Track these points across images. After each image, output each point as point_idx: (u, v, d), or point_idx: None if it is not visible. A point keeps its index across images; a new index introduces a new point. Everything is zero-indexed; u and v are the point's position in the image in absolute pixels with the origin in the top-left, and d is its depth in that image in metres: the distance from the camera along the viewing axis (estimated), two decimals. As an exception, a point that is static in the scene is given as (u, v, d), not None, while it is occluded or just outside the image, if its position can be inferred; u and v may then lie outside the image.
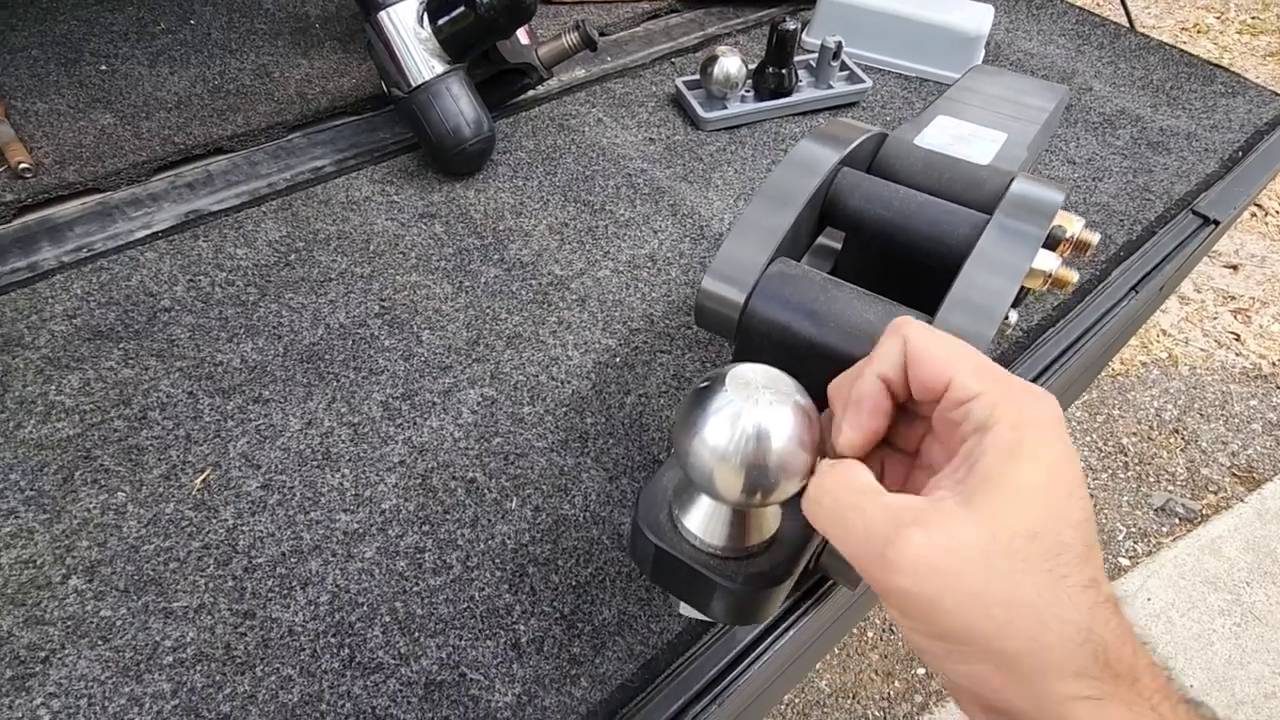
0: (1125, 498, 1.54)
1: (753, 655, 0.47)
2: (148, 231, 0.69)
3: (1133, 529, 1.50)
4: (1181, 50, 1.04)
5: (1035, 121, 0.56)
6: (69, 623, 0.45)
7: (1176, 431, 1.64)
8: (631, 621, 0.47)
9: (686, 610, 0.43)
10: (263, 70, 0.87)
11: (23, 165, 0.71)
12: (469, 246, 0.70)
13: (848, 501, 0.28)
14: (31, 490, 0.50)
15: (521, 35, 0.82)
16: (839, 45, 0.88)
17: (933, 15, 0.95)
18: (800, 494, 0.33)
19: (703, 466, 0.31)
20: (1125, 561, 1.45)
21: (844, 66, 0.92)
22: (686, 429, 0.32)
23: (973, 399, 0.26)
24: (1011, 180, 0.45)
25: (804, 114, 0.90)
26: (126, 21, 0.92)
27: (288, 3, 0.98)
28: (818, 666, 1.26)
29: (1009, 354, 0.65)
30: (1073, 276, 0.41)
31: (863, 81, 0.91)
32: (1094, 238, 0.46)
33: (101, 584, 0.46)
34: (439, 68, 0.72)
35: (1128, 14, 1.15)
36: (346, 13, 0.97)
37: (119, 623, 0.45)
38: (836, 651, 1.28)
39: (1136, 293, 0.73)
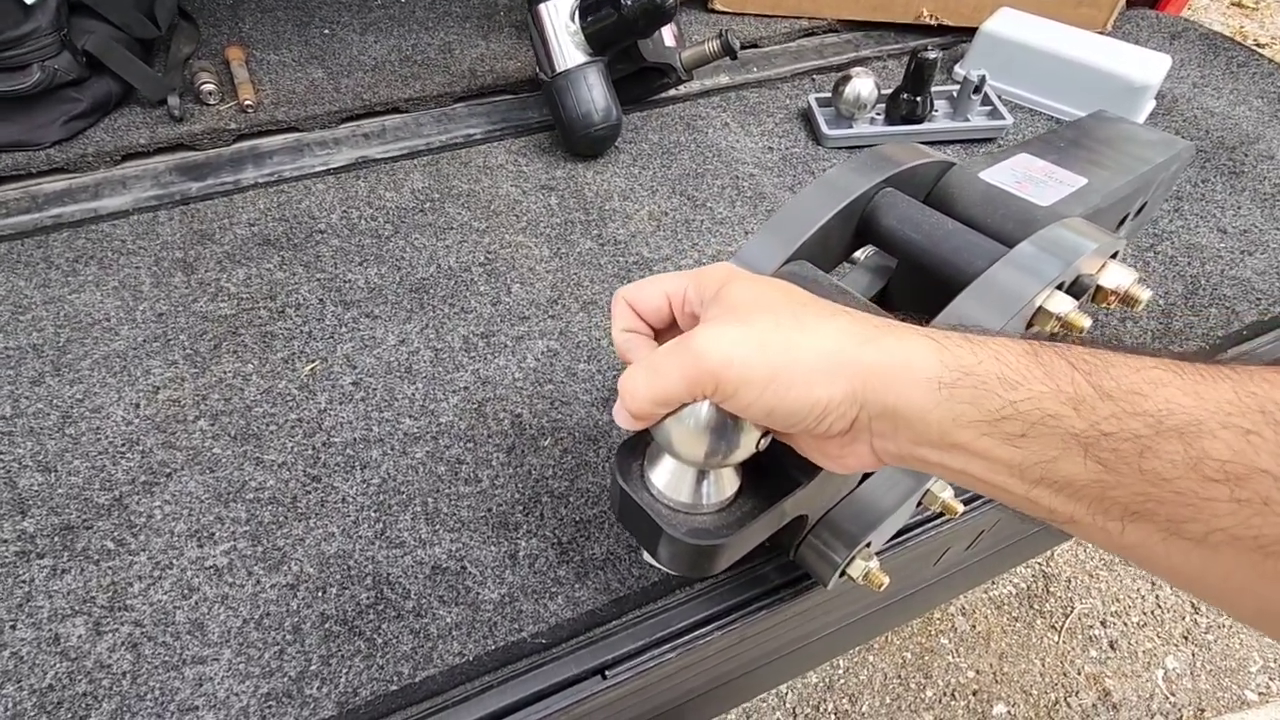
0: (1268, 626, 1.35)
1: (719, 622, 0.51)
2: (325, 168, 0.84)
3: (1270, 663, 1.31)
4: None
5: (1130, 172, 0.54)
6: (190, 451, 0.57)
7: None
8: (616, 562, 0.52)
9: (648, 558, 0.48)
10: (447, 47, 1.00)
11: (248, 102, 0.88)
12: (574, 219, 0.78)
13: (645, 366, 0.34)
14: (190, 349, 0.64)
15: (668, 38, 0.88)
16: (982, 79, 0.86)
17: (1098, 60, 0.90)
18: (748, 460, 0.37)
19: (663, 426, 0.36)
20: (1251, 696, 1.28)
21: (986, 101, 0.90)
22: None
23: (685, 299, 0.37)
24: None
25: (932, 143, 0.89)
26: (353, -5, 1.09)
27: (483, -9, 1.12)
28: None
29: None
30: (1084, 321, 0.41)
31: (1003, 119, 0.89)
32: (1144, 294, 0.45)
33: (219, 429, 0.59)
34: (581, 58, 0.81)
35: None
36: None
37: (223, 460, 0.57)
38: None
39: (1254, 378, 0.66)
